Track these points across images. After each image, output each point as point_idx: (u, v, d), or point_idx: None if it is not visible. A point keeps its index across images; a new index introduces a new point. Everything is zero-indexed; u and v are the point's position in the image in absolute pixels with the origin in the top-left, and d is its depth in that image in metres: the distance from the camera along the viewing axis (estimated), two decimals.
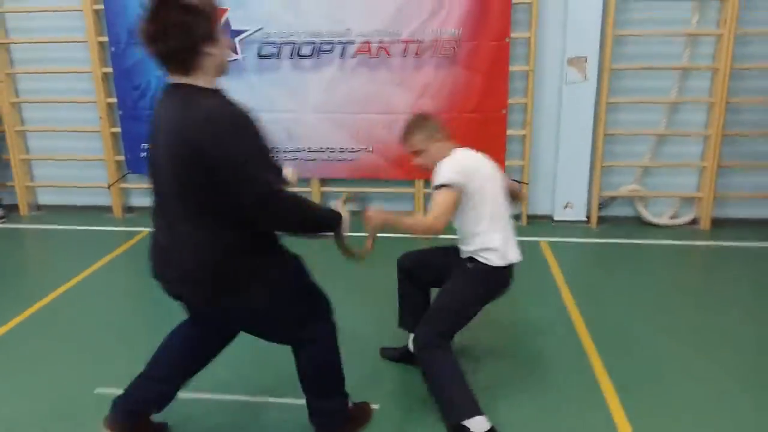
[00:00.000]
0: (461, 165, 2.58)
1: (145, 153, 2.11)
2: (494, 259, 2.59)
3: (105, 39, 5.11)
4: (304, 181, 5.25)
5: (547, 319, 3.52)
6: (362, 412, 2.64)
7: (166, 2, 1.84)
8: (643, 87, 4.85)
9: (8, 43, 5.33)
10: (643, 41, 4.76)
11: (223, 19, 4.87)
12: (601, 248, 4.71)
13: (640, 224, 5.08)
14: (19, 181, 5.58)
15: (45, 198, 5.79)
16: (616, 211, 5.18)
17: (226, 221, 1.94)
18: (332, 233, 2.20)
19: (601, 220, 5.11)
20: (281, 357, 2.45)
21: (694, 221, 5.04)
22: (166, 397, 2.40)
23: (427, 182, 5.07)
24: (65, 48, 5.30)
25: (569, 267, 4.24)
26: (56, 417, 2.68)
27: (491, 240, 2.58)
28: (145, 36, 1.87)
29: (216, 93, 1.94)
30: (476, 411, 2.41)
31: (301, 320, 2.23)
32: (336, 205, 2.28)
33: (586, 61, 4.76)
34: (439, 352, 2.51)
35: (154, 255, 2.10)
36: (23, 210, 5.65)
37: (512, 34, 4.75)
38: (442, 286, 2.69)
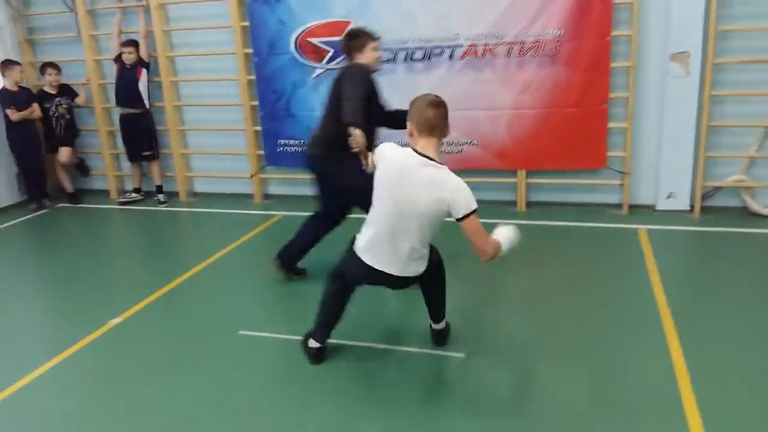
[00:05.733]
0: None
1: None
2: None
3: (250, 51, 5.97)
4: None
5: (630, 301, 3.74)
6: None
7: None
8: (749, 80, 4.89)
9: (173, 55, 6.37)
10: (748, 35, 4.81)
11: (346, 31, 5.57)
12: (702, 237, 4.84)
13: (746, 215, 5.12)
14: (179, 171, 6.63)
15: (199, 186, 6.81)
16: (721, 201, 5.24)
17: None
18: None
19: (705, 210, 5.20)
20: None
21: None
22: None
23: (530, 173, 5.47)
24: (217, 59, 6.24)
25: (664, 253, 4.41)
26: (208, 352, 3.43)
27: None
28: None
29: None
30: None
31: None
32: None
33: (689, 56, 4.90)
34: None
35: None
36: (182, 196, 6.70)
37: (614, 32, 5.00)
38: None
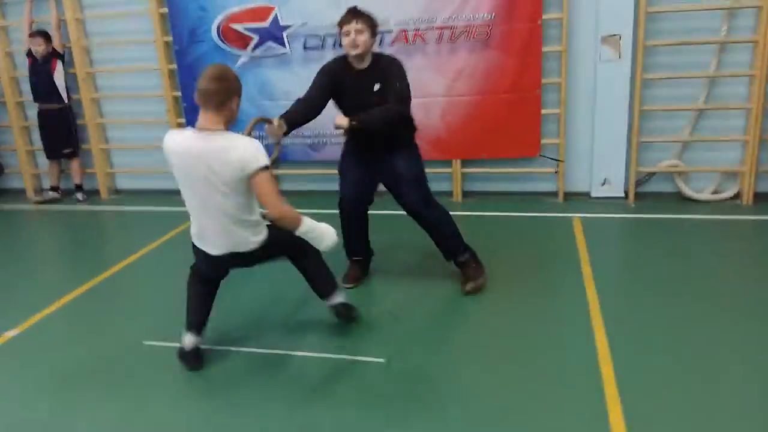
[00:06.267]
0: None
1: None
2: None
3: (170, 39, 5.63)
4: None
5: (557, 292, 3.61)
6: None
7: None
8: (680, 63, 4.83)
9: (89, 45, 5.97)
10: (679, 17, 4.74)
11: (270, 16, 5.30)
12: (636, 224, 4.75)
13: (680, 200, 5.07)
14: (99, 168, 6.24)
15: (123, 183, 6.44)
16: (656, 187, 5.18)
17: None
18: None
19: (640, 196, 5.13)
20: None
21: (736, 196, 4.98)
22: None
23: (465, 162, 5.31)
24: (136, 48, 5.87)
25: (597, 242, 4.28)
26: (107, 367, 3.14)
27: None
28: None
29: None
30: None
31: None
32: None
33: (620, 39, 4.80)
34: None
35: None
36: (103, 194, 6.32)
37: (545, 16, 4.87)
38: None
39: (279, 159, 3.25)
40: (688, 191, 5.05)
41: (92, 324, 3.61)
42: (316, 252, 3.03)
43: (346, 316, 3.20)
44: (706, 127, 4.95)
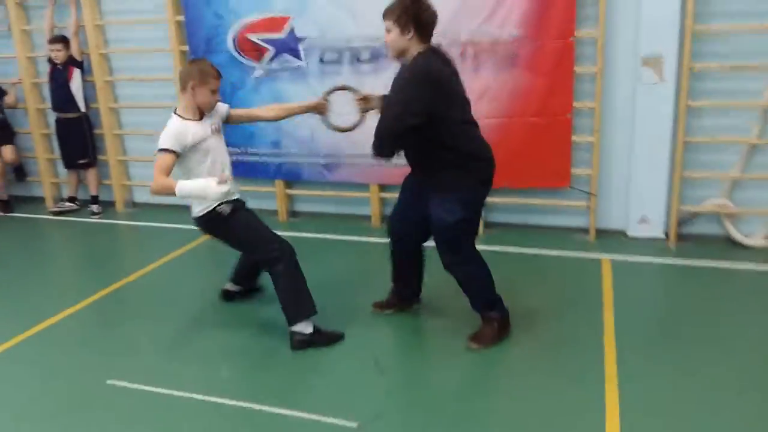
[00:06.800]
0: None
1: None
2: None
3: (186, 48, 5.44)
4: (365, 186, 5.24)
5: (571, 349, 3.18)
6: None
7: None
8: (731, 89, 4.28)
9: (107, 52, 5.85)
10: (730, 38, 4.20)
11: (286, 27, 5.04)
12: (675, 270, 4.19)
13: (728, 244, 4.47)
14: (116, 180, 6.11)
15: (140, 196, 6.27)
16: (701, 228, 4.60)
17: None
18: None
19: (683, 237, 4.57)
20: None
21: None
22: None
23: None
24: (155, 57, 5.71)
25: (627, 292, 3.78)
26: (63, 407, 2.90)
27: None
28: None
29: None
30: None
31: None
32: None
33: (663, 60, 4.29)
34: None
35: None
36: (119, 207, 6.17)
37: (578, 33, 4.41)
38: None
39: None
40: (737, 235, 4.46)
41: (59, 357, 3.38)
42: (288, 271, 3.17)
43: (292, 345, 3.23)
44: (759, 163, 4.36)
